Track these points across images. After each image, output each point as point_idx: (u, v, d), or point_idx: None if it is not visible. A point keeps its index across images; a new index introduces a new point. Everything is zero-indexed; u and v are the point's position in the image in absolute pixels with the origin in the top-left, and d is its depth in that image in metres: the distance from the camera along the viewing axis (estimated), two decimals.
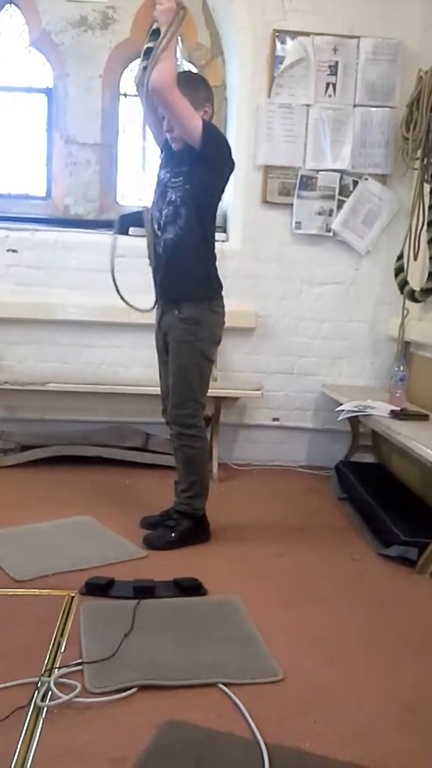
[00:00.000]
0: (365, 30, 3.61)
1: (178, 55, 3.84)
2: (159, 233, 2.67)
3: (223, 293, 2.73)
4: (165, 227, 2.64)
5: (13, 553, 2.54)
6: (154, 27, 2.49)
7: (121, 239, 3.73)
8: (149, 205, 2.75)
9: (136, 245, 3.53)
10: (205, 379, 2.73)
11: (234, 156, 2.68)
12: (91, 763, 1.48)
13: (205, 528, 2.79)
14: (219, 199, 2.72)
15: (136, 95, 4.06)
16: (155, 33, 2.46)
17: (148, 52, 2.47)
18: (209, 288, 2.69)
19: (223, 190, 2.71)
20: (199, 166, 2.56)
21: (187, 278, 2.63)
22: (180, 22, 2.44)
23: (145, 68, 2.50)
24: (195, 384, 2.69)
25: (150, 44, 2.48)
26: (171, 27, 2.41)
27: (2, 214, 3.92)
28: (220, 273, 2.73)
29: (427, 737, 1.64)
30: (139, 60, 3.34)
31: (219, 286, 2.72)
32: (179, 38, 3.91)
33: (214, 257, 2.71)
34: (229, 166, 2.67)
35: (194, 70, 3.95)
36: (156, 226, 2.69)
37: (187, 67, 3.92)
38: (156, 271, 2.74)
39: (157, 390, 2.89)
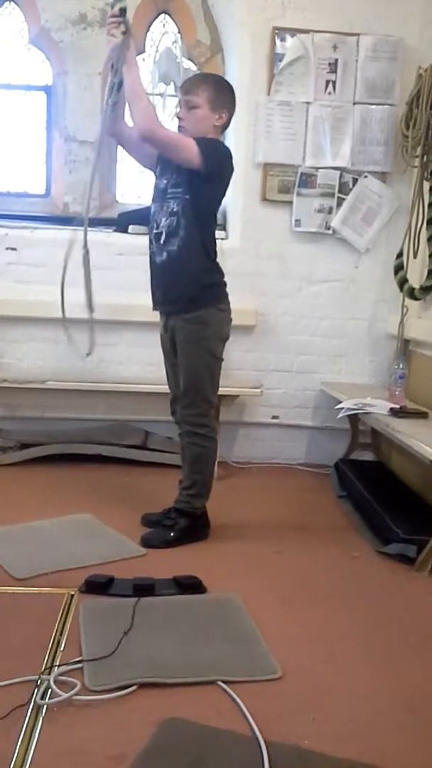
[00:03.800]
0: (365, 27, 3.61)
1: (178, 53, 3.86)
2: (161, 244, 2.63)
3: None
4: (168, 239, 2.60)
5: (13, 551, 2.54)
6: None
7: (121, 237, 3.78)
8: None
9: (136, 243, 3.55)
10: (215, 378, 2.72)
11: (234, 154, 2.66)
12: (91, 761, 1.48)
13: (204, 525, 2.79)
14: (220, 203, 2.69)
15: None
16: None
17: (118, 86, 2.52)
18: (217, 290, 2.68)
19: (224, 195, 2.68)
20: (200, 178, 2.52)
21: (194, 287, 2.61)
22: (129, 47, 2.48)
23: (114, 104, 2.57)
24: (206, 384, 2.68)
25: (116, 79, 2.52)
26: (126, 60, 2.47)
27: (1, 212, 3.92)
28: None
29: (426, 734, 1.64)
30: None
31: (224, 285, 2.71)
32: (179, 36, 3.94)
33: (215, 261, 2.68)
34: (230, 172, 2.64)
35: (194, 67, 3.94)
36: (156, 237, 2.66)
37: (187, 65, 3.92)
38: (157, 282, 2.71)
39: (157, 388, 2.89)
